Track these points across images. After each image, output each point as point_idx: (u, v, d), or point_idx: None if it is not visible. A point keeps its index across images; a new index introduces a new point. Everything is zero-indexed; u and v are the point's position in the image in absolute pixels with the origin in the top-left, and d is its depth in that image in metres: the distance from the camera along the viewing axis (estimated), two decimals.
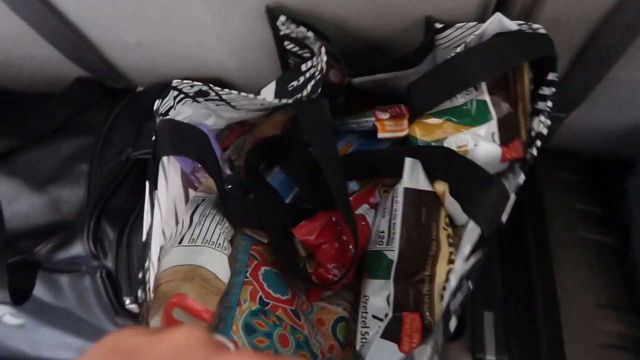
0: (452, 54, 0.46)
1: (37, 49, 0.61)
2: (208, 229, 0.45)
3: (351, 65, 0.52)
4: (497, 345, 0.52)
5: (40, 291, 0.60)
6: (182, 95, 0.42)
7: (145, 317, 0.36)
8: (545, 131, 0.43)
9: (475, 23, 0.45)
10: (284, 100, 0.45)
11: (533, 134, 0.45)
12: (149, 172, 0.38)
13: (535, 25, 0.44)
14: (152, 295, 0.37)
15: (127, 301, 0.57)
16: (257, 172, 0.55)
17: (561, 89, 0.58)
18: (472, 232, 0.40)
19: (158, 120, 0.40)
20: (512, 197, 0.39)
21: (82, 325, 0.65)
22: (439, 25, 0.47)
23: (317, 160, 0.45)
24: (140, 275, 0.36)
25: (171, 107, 0.42)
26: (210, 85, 0.42)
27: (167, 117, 0.42)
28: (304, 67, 0.48)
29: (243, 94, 0.43)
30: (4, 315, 0.70)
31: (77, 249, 0.55)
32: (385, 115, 0.52)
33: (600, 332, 0.53)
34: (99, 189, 0.58)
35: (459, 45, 0.45)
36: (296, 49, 0.55)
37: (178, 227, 0.44)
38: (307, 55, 0.55)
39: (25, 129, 0.62)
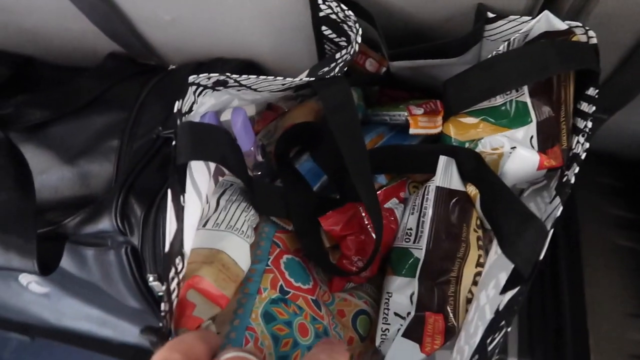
0: (493, 54, 0.45)
1: (74, 22, 0.61)
2: (233, 215, 0.45)
3: (391, 48, 0.51)
4: (520, 347, 0.51)
5: (66, 262, 0.61)
6: (201, 88, 0.42)
7: (169, 326, 0.36)
8: (583, 155, 0.41)
9: (529, 18, 0.44)
10: (304, 78, 0.44)
11: (570, 154, 0.44)
12: (170, 177, 0.37)
13: (578, 29, 0.42)
14: (175, 305, 0.37)
15: (150, 278, 0.58)
16: (287, 159, 0.54)
17: (606, 89, 0.56)
18: (505, 261, 0.38)
19: (179, 122, 0.39)
20: (550, 232, 0.36)
21: (104, 298, 0.66)
22: (491, 15, 0.46)
23: (337, 141, 0.44)
24: (164, 287, 0.35)
25: (193, 102, 0.41)
26: (228, 74, 0.41)
27: (190, 113, 0.41)
28: (337, 56, 0.47)
29: (262, 77, 0.42)
30: (30, 283, 0.72)
31: (105, 223, 0.55)
32: (419, 111, 0.50)
33: (627, 341, 0.52)
34: (128, 165, 0.58)
35: (507, 40, 0.44)
36: (333, 35, 0.54)
37: (204, 210, 0.44)
38: (343, 43, 0.54)
39: (59, 101, 0.62)
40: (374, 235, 0.48)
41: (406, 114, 0.51)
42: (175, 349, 0.30)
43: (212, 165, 0.43)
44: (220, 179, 0.48)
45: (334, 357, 0.31)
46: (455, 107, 0.48)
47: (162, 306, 0.34)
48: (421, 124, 0.50)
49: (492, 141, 0.47)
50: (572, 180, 0.40)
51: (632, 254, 0.58)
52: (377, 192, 0.50)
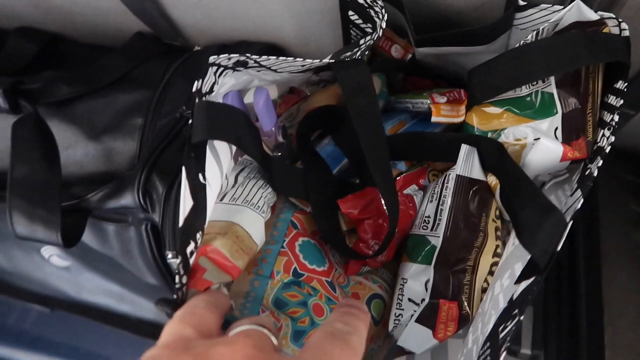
0: (521, 43, 0.44)
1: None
2: (250, 191, 0.45)
3: (418, 34, 0.51)
4: (534, 340, 0.51)
5: (87, 237, 0.62)
6: (222, 69, 0.42)
7: (184, 298, 0.36)
8: (608, 148, 0.40)
9: (560, 7, 0.43)
10: (324, 60, 0.44)
11: (595, 147, 0.43)
12: (185, 155, 0.37)
13: (611, 21, 0.41)
14: (187, 280, 0.37)
15: (169, 255, 0.59)
16: (308, 142, 0.54)
17: (635, 84, 0.55)
18: (522, 251, 0.38)
19: (197, 101, 0.39)
20: (569, 224, 0.36)
21: (124, 273, 0.67)
22: (522, 2, 0.45)
23: (354, 125, 0.44)
24: (179, 260, 0.35)
25: (214, 83, 0.41)
26: (247, 55, 0.41)
27: (212, 94, 0.41)
28: (362, 42, 0.47)
29: (282, 57, 0.42)
30: (51, 256, 0.74)
31: (127, 199, 0.56)
32: (443, 99, 0.50)
33: None
34: (151, 143, 0.58)
35: (536, 29, 0.43)
36: (359, 20, 0.53)
37: (222, 186, 0.44)
38: (369, 29, 0.54)
39: (86, 78, 0.63)
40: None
41: (429, 101, 0.51)
42: (186, 321, 0.30)
43: (234, 146, 0.44)
44: (240, 158, 0.48)
45: (351, 325, 0.30)
46: (479, 96, 0.48)
47: (177, 279, 0.35)
48: (444, 112, 0.50)
49: (515, 132, 0.47)
50: (595, 174, 0.39)
51: None
52: (397, 178, 0.50)
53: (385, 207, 0.48)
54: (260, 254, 0.46)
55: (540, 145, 0.44)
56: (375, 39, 0.47)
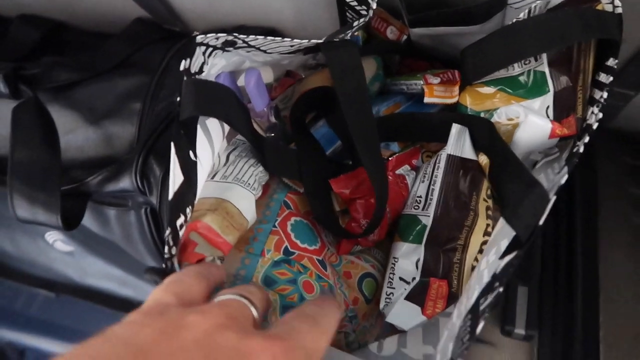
0: (513, 21, 0.44)
1: None
2: (241, 169, 0.46)
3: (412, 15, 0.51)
4: (528, 320, 0.51)
5: (89, 222, 0.63)
6: (210, 49, 0.42)
7: (172, 267, 0.37)
8: (595, 125, 0.40)
9: None
10: (313, 40, 0.44)
11: (584, 125, 0.43)
12: (174, 132, 0.38)
13: None
14: (178, 252, 0.38)
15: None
16: (302, 123, 0.55)
17: (633, 64, 0.55)
18: (509, 229, 0.38)
19: (185, 79, 0.39)
20: (552, 199, 0.36)
21: (125, 257, 0.68)
22: None
23: (341, 106, 0.44)
24: (168, 231, 0.36)
25: (203, 63, 0.42)
26: (235, 34, 0.41)
27: (202, 74, 0.41)
28: (355, 23, 0.47)
29: (270, 37, 0.42)
30: (55, 241, 0.75)
31: (125, 182, 0.56)
32: (436, 80, 0.50)
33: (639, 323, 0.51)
34: (149, 127, 0.59)
35: (528, 8, 0.43)
36: (354, 2, 0.53)
37: (214, 164, 0.45)
38: (364, 12, 0.54)
39: (85, 64, 0.64)
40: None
41: (422, 82, 0.51)
42: (170, 289, 0.30)
43: (227, 125, 0.44)
44: (234, 138, 0.49)
45: (323, 308, 0.31)
46: (472, 75, 0.48)
47: (166, 249, 0.35)
48: (437, 93, 0.50)
49: (507, 111, 0.47)
50: (582, 150, 0.39)
51: None
52: (390, 159, 0.50)
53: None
54: (252, 232, 0.46)
55: (529, 121, 0.44)
56: (367, 20, 0.47)
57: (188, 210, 0.38)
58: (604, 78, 0.43)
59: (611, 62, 0.42)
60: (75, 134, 0.62)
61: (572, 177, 0.60)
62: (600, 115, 0.40)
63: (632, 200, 0.59)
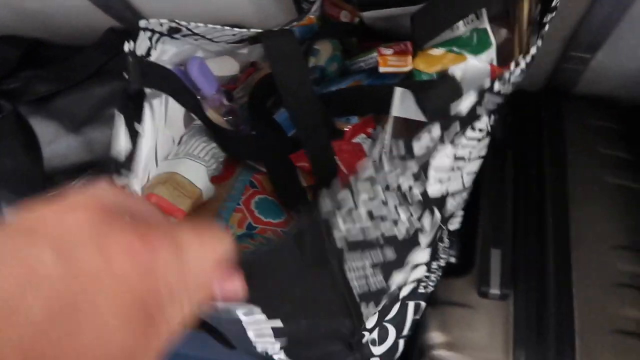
0: None
1: None
2: (192, 145, 0.47)
3: None
4: (502, 280, 0.51)
5: None
6: (157, 35, 0.44)
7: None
8: (534, 51, 0.41)
9: None
10: (252, 30, 0.46)
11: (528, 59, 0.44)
12: (119, 102, 0.40)
13: None
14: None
15: None
16: (262, 107, 0.56)
17: (583, 26, 0.55)
18: None
19: (130, 60, 0.41)
20: (473, 95, 0.36)
21: None
22: None
23: (280, 91, 0.46)
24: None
25: (150, 47, 0.43)
26: (176, 20, 0.43)
27: (149, 57, 0.43)
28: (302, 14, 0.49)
29: (211, 25, 0.44)
30: None
31: None
32: (389, 51, 0.52)
33: (612, 272, 0.51)
34: None
35: None
36: None
37: (171, 149, 0.47)
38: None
39: (63, 75, 0.67)
40: (345, 171, 0.49)
41: (376, 54, 0.52)
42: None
43: (180, 110, 0.46)
44: (192, 124, 0.50)
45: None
46: (423, 37, 0.49)
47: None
48: (391, 62, 0.51)
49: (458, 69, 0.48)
50: (519, 72, 0.40)
51: (621, 191, 0.56)
52: (346, 129, 0.51)
53: (340, 159, 0.49)
54: (216, 211, 0.48)
55: (469, 63, 0.45)
56: (317, 8, 0.48)
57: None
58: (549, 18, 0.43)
59: (555, 2, 0.43)
60: (57, 143, 0.65)
61: (541, 140, 0.61)
62: (540, 43, 0.41)
63: (603, 158, 0.59)
